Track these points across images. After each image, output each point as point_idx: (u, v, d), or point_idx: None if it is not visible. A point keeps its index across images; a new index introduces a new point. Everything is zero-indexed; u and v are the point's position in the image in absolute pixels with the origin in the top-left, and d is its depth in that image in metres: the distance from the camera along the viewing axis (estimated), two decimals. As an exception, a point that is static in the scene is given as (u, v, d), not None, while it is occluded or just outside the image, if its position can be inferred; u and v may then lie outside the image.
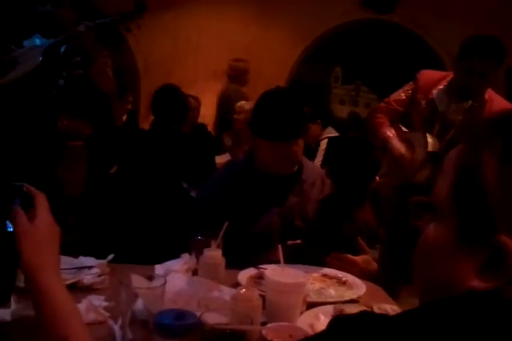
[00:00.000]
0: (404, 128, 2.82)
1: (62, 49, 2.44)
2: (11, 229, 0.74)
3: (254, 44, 5.20)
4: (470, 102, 2.67)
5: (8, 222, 0.74)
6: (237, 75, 4.81)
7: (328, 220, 1.83)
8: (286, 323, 1.26)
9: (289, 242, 1.79)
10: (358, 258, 1.74)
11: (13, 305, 1.08)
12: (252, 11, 5.18)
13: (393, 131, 2.77)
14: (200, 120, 4.35)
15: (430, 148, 2.63)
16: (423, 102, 2.75)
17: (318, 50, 5.57)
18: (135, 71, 5.31)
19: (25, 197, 0.77)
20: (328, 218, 1.84)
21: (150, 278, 1.32)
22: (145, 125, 4.40)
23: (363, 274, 1.68)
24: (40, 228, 0.77)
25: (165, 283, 1.21)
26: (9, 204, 0.73)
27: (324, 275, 1.65)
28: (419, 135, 2.70)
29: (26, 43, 2.57)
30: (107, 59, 2.60)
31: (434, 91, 2.74)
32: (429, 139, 2.65)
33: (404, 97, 2.82)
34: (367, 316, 0.59)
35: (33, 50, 2.47)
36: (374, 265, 1.77)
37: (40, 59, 2.38)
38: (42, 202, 0.80)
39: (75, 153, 2.65)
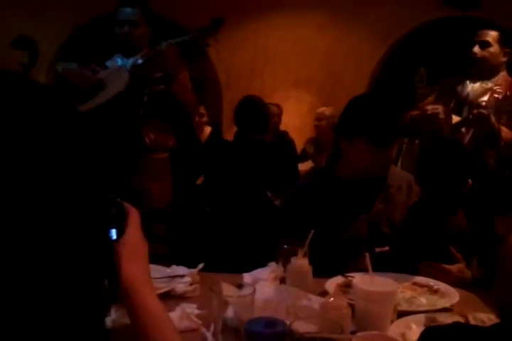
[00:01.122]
0: None
1: (146, 67, 2.55)
2: (115, 238, 0.77)
3: (332, 48, 5.17)
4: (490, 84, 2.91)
5: (111, 231, 0.77)
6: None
7: (418, 228, 1.79)
8: (376, 332, 1.24)
9: (377, 249, 1.77)
10: (452, 267, 1.69)
11: (114, 313, 1.14)
12: (328, 15, 5.16)
13: None
14: (283, 128, 4.38)
15: None
16: None
17: (400, 51, 5.45)
18: (217, 83, 5.44)
19: (119, 210, 0.81)
20: (418, 225, 1.79)
21: (239, 286, 1.35)
22: (228, 136, 4.50)
23: (456, 283, 1.62)
24: (131, 243, 0.80)
25: (254, 291, 1.23)
26: (107, 214, 0.77)
27: (415, 283, 1.60)
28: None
29: (109, 63, 2.70)
30: (186, 73, 2.69)
31: None
32: None
33: None
34: (461, 328, 0.58)
35: (118, 71, 2.59)
36: (468, 273, 1.70)
37: (127, 80, 2.49)
38: (134, 218, 0.83)
39: (161, 165, 2.75)
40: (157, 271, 1.55)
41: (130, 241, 0.81)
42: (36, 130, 0.54)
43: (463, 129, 2.89)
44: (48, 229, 0.54)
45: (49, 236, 0.54)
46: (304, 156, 4.02)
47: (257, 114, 3.05)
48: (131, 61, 2.62)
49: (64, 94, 0.66)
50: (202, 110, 4.18)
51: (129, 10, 2.62)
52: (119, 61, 2.68)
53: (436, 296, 1.52)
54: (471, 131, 2.83)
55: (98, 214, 0.64)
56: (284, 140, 4.00)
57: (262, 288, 1.39)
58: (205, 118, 4.24)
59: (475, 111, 2.71)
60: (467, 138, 2.84)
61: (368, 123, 1.80)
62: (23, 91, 0.57)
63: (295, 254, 1.53)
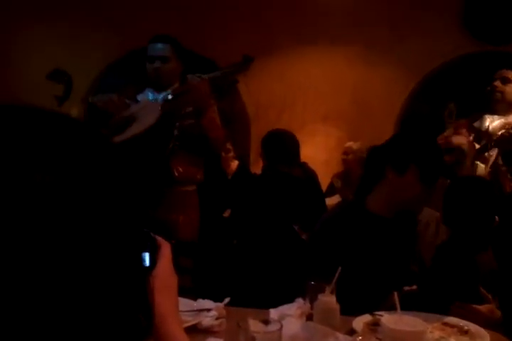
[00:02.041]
0: None
1: (177, 102, 2.60)
2: (147, 264, 0.78)
3: (362, 83, 5.21)
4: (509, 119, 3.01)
5: (144, 256, 0.78)
6: None
7: (446, 267, 1.76)
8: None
9: (406, 288, 1.74)
10: (482, 307, 1.65)
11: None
12: (359, 49, 5.21)
13: None
14: (310, 162, 4.39)
15: None
16: None
17: (429, 87, 5.46)
18: (245, 117, 5.50)
19: (152, 243, 0.82)
20: (447, 265, 1.77)
21: (266, 322, 1.34)
22: (256, 169, 4.52)
23: (487, 323, 1.58)
24: (162, 275, 0.81)
25: (281, 327, 1.22)
26: (141, 247, 0.77)
27: (445, 323, 1.57)
28: None
29: (140, 97, 2.77)
30: (215, 107, 2.74)
31: None
32: None
33: None
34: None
35: (149, 105, 2.65)
36: (498, 313, 1.67)
37: (158, 114, 2.54)
38: (166, 251, 0.85)
39: (188, 197, 2.78)
40: (183, 304, 1.55)
41: (161, 273, 0.82)
42: (74, 164, 0.56)
43: (486, 154, 2.94)
44: (86, 263, 0.55)
45: (87, 269, 0.55)
46: (331, 191, 4.01)
47: (284, 147, 3.07)
48: (161, 95, 2.68)
49: (97, 127, 0.68)
50: (229, 146, 4.24)
51: (159, 46, 2.69)
52: (150, 95, 2.75)
53: (466, 337, 1.49)
54: (494, 155, 2.89)
55: (133, 247, 0.65)
56: (305, 171, 4.00)
57: (288, 324, 1.38)
58: (231, 154, 4.29)
59: (504, 131, 2.80)
60: (490, 162, 2.90)
61: (425, 154, 1.83)
62: (58, 126, 0.59)
63: (322, 291, 1.52)
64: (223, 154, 4.16)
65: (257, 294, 2.33)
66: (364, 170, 1.99)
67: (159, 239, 0.84)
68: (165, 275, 0.83)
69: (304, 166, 3.85)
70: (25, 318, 0.52)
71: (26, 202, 0.52)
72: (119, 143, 2.39)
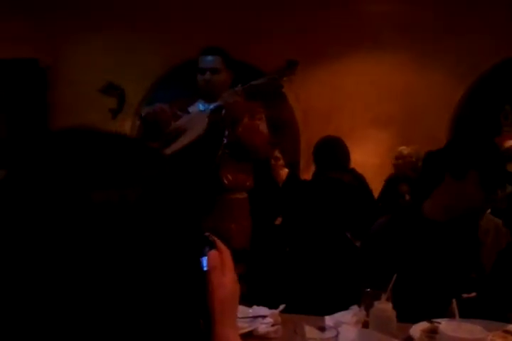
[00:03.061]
0: None
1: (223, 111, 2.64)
2: (206, 269, 0.79)
3: (412, 87, 5.13)
4: None
5: (203, 260, 0.79)
6: None
7: (507, 274, 1.71)
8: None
9: (464, 295, 1.70)
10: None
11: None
12: (407, 53, 5.15)
13: None
14: (360, 168, 4.35)
15: None
16: None
17: (483, 89, 5.33)
18: (294, 124, 5.51)
19: (212, 248, 0.83)
20: (508, 271, 1.72)
21: (321, 329, 1.34)
22: (306, 176, 4.51)
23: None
24: (226, 285, 0.82)
25: (338, 334, 1.22)
26: (202, 252, 0.79)
27: (506, 331, 1.53)
28: None
29: (191, 109, 2.82)
30: (261, 115, 2.76)
31: None
32: None
33: None
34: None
35: (198, 116, 2.71)
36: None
37: (207, 124, 2.59)
38: (228, 259, 0.85)
39: (239, 205, 2.80)
40: (239, 310, 1.56)
41: (225, 283, 0.82)
42: (134, 181, 0.59)
43: None
44: (149, 269, 0.58)
45: (150, 274, 0.58)
46: (384, 196, 3.96)
47: (335, 154, 3.06)
48: (211, 106, 2.73)
49: (149, 141, 0.70)
50: (277, 154, 4.23)
51: (210, 58, 2.74)
52: (200, 106, 2.80)
53: (530, 346, 1.44)
54: None
55: (194, 252, 0.67)
56: (356, 177, 3.95)
57: (344, 331, 1.37)
58: (281, 162, 4.28)
59: None
60: None
61: (485, 159, 1.80)
62: (113, 146, 0.62)
63: (378, 298, 1.50)
64: (272, 162, 4.17)
65: (312, 301, 2.32)
66: (421, 175, 1.96)
67: (220, 244, 0.85)
68: (230, 284, 0.83)
69: (353, 172, 3.83)
70: (91, 323, 0.54)
71: (94, 219, 0.54)
72: (171, 155, 2.44)
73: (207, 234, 0.81)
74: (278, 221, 3.60)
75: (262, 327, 1.55)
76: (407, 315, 1.53)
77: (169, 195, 0.62)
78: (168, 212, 0.61)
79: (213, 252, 0.81)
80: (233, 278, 0.85)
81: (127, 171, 0.59)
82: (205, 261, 0.78)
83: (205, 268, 0.77)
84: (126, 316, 0.56)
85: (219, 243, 0.83)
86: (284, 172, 4.24)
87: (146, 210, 0.58)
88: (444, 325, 1.34)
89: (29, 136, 5.57)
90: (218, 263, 0.82)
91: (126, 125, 5.73)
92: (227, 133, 2.68)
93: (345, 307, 1.67)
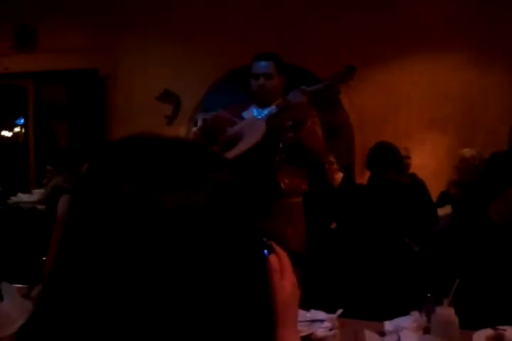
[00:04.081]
0: None
1: (281, 116, 2.63)
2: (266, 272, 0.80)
3: (470, 89, 4.99)
4: None
5: (265, 252, 0.80)
6: None
7: None
8: None
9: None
10: None
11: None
12: (465, 55, 5.01)
13: None
14: (417, 171, 4.27)
15: None
16: None
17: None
18: (349, 128, 5.46)
19: (271, 252, 0.83)
20: None
21: (381, 333, 1.33)
22: (360, 179, 4.47)
23: None
24: (286, 288, 0.82)
25: (399, 339, 1.20)
26: (262, 257, 0.79)
27: None
28: None
29: (245, 114, 2.84)
30: (316, 119, 2.74)
31: None
32: None
33: None
34: None
35: (254, 122, 2.72)
36: None
37: (264, 130, 2.60)
38: (286, 263, 0.86)
39: (295, 209, 2.79)
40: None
41: (286, 286, 0.83)
42: (202, 185, 0.60)
43: None
44: (215, 273, 0.59)
45: (215, 279, 0.59)
46: (442, 201, 3.86)
47: (392, 157, 3.01)
48: (266, 111, 2.73)
49: (210, 146, 0.72)
50: (331, 158, 4.22)
51: (263, 63, 2.76)
52: (255, 112, 2.81)
53: None
54: None
55: (256, 256, 0.68)
56: (415, 181, 3.88)
57: (405, 337, 1.35)
58: (335, 166, 4.27)
59: None
60: None
61: None
62: (181, 151, 0.63)
63: (440, 303, 1.47)
64: (327, 166, 4.15)
65: (370, 306, 2.29)
66: (486, 177, 1.89)
67: (278, 248, 0.85)
68: (290, 287, 0.84)
69: (414, 177, 3.76)
70: (159, 322, 0.56)
71: (170, 220, 0.56)
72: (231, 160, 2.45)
73: (265, 238, 0.82)
74: (333, 225, 3.58)
75: (320, 331, 1.53)
76: (469, 321, 1.49)
77: (233, 199, 0.63)
78: (233, 216, 0.62)
79: (273, 256, 0.82)
80: (293, 281, 0.85)
81: (194, 175, 0.60)
82: (265, 251, 0.79)
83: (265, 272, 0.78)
84: (193, 317, 0.57)
85: (277, 247, 0.84)
86: (339, 176, 4.21)
87: (212, 214, 0.59)
88: (510, 332, 1.30)
89: (90, 143, 5.76)
90: (278, 267, 0.83)
91: (181, 131, 5.84)
92: (285, 137, 2.68)
93: (405, 313, 1.63)
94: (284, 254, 0.87)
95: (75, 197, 0.62)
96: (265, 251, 0.81)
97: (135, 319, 0.56)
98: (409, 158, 4.31)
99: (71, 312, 0.57)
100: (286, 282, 0.81)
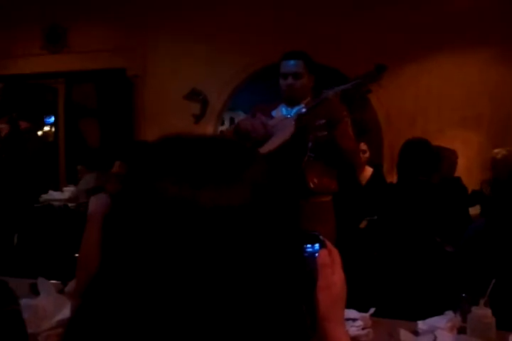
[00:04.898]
0: None
1: (310, 115, 2.62)
2: (306, 255, 0.79)
3: (503, 85, 4.91)
4: None
5: (305, 247, 0.79)
6: None
7: None
8: None
9: None
10: None
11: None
12: (496, 51, 4.92)
13: None
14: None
15: None
16: None
17: None
18: (377, 126, 5.41)
19: (322, 246, 0.82)
20: None
21: (415, 333, 1.31)
22: (390, 178, 4.42)
23: None
24: (337, 283, 0.81)
25: (435, 339, 1.19)
26: (313, 250, 0.79)
27: None
28: None
29: (274, 113, 2.84)
30: (347, 118, 2.72)
31: None
32: None
33: None
34: None
35: (283, 121, 2.71)
36: None
37: (293, 129, 2.59)
38: (337, 258, 0.85)
39: (324, 208, 2.78)
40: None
41: (336, 281, 0.82)
42: (244, 182, 0.60)
43: None
44: (260, 271, 0.58)
45: (261, 276, 0.58)
46: (473, 200, 3.80)
47: (424, 156, 2.95)
48: (295, 110, 2.72)
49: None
50: (363, 146, 4.18)
51: (292, 62, 2.74)
52: (283, 110, 2.80)
53: None
54: None
55: (299, 251, 0.68)
56: (454, 183, 3.81)
57: (440, 337, 1.33)
58: (367, 154, 4.22)
59: None
60: None
61: None
62: (222, 149, 0.64)
63: (476, 303, 1.44)
64: (360, 154, 4.13)
65: (401, 305, 2.26)
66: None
67: (328, 242, 0.84)
68: (340, 282, 0.83)
69: (458, 181, 3.68)
70: (204, 319, 0.56)
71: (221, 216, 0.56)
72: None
73: (317, 232, 0.81)
74: (362, 224, 3.55)
75: (353, 329, 1.53)
76: (506, 322, 1.46)
77: (273, 196, 0.63)
78: (275, 213, 0.62)
79: (323, 250, 0.81)
80: (342, 276, 0.84)
81: (233, 172, 0.60)
82: (305, 248, 0.78)
83: (305, 254, 0.78)
84: (239, 314, 0.57)
85: (328, 242, 0.83)
86: (368, 171, 4.16)
87: (253, 210, 0.59)
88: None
89: (119, 142, 5.84)
90: (328, 262, 0.82)
91: (209, 130, 5.87)
92: (311, 136, 2.66)
93: (438, 313, 1.61)
94: (334, 249, 0.86)
95: (116, 198, 0.62)
96: (317, 245, 0.81)
97: (180, 317, 0.56)
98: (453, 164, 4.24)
99: (116, 311, 0.58)
100: (336, 277, 0.81)
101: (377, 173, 4.15)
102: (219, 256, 0.56)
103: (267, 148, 2.58)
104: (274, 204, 0.63)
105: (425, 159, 2.94)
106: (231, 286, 0.56)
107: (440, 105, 5.12)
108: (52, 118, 6.61)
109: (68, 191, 5.25)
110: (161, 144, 0.64)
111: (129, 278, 0.57)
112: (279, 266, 0.61)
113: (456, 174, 4.05)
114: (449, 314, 1.55)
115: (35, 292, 1.84)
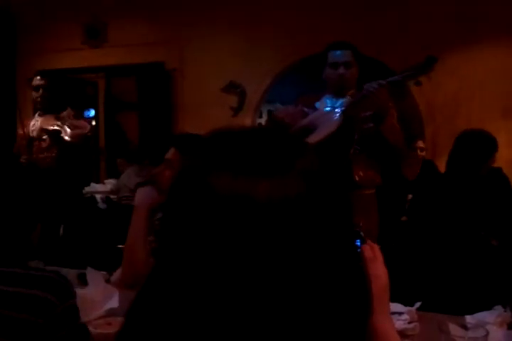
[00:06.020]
0: None
1: (357, 107, 2.58)
2: (359, 250, 0.80)
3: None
4: None
5: (358, 242, 0.80)
6: None
7: None
8: None
9: None
10: None
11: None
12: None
13: None
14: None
15: None
16: None
17: None
18: (418, 117, 5.31)
19: (363, 242, 0.83)
20: None
21: (464, 327, 1.29)
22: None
23: None
24: (381, 276, 0.82)
25: (487, 334, 1.16)
26: (355, 247, 0.79)
27: None
28: None
29: (318, 105, 2.81)
30: (393, 111, 2.68)
31: None
32: None
33: None
34: None
35: (329, 112, 2.68)
36: None
37: (339, 120, 2.56)
38: (378, 253, 0.86)
39: (368, 201, 2.75)
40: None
41: (380, 275, 0.83)
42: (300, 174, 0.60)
43: None
44: (314, 264, 0.58)
45: (314, 270, 0.58)
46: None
47: (477, 147, 2.83)
48: (340, 102, 2.69)
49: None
50: (421, 144, 4.22)
51: (341, 52, 2.70)
52: (328, 102, 2.77)
53: None
54: None
55: (351, 246, 0.67)
56: (497, 175, 3.71)
57: (492, 331, 1.31)
58: (424, 153, 4.27)
59: None
60: None
61: None
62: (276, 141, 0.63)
63: (527, 298, 1.41)
64: (418, 152, 4.18)
65: (448, 300, 2.23)
66: None
67: (368, 240, 0.85)
68: (384, 276, 0.84)
69: (499, 172, 3.59)
70: (253, 316, 0.56)
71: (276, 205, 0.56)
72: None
73: (358, 228, 0.82)
74: (404, 218, 3.51)
75: (399, 323, 1.51)
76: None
77: (325, 186, 0.63)
78: (330, 201, 0.62)
79: (366, 246, 0.82)
80: (385, 270, 0.85)
81: (286, 162, 0.60)
82: (358, 243, 0.79)
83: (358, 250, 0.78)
84: (291, 309, 0.56)
85: (367, 238, 0.84)
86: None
87: (307, 200, 0.58)
88: None
89: (159, 135, 5.90)
90: (372, 257, 0.83)
91: (247, 122, 5.88)
92: (357, 128, 2.63)
93: (485, 307, 1.58)
94: (375, 245, 0.87)
95: (171, 193, 0.63)
96: (358, 241, 0.81)
97: (239, 314, 0.56)
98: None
99: (174, 303, 0.58)
100: (380, 271, 0.81)
101: (431, 166, 4.11)
102: (281, 248, 0.55)
103: (312, 139, 2.56)
104: (329, 193, 0.63)
105: (484, 150, 2.84)
106: (295, 278, 0.56)
107: (484, 94, 4.99)
108: (93, 112, 6.72)
109: (110, 183, 5.35)
110: (212, 138, 0.64)
111: (187, 273, 0.57)
112: (337, 255, 0.61)
113: (500, 166, 3.94)
114: (499, 309, 1.52)
115: (83, 282, 1.89)
